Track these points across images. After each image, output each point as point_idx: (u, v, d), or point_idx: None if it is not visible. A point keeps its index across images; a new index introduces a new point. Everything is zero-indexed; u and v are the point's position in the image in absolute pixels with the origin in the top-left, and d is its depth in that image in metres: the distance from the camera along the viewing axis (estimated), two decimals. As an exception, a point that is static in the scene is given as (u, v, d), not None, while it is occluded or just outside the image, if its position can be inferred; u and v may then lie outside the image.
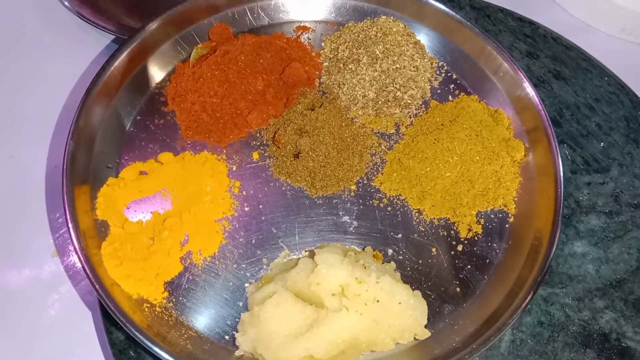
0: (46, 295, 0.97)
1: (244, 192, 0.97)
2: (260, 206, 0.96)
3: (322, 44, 1.09)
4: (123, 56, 0.98)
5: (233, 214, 0.95)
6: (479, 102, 1.05)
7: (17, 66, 1.16)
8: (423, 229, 0.95)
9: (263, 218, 0.95)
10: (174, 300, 0.88)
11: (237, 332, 0.85)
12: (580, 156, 1.07)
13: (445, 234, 0.95)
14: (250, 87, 1.01)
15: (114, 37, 1.16)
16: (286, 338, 0.80)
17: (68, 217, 0.86)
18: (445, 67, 1.09)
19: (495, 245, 0.95)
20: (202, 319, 0.87)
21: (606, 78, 1.15)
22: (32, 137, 1.08)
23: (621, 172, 1.05)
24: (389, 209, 0.96)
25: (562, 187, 0.93)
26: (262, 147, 1.00)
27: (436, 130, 1.00)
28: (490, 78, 1.06)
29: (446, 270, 0.93)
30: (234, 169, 0.98)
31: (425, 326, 0.86)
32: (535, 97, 1.00)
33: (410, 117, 1.04)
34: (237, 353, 0.84)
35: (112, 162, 0.96)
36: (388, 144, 1.01)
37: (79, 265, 0.97)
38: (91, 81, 0.95)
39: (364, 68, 1.03)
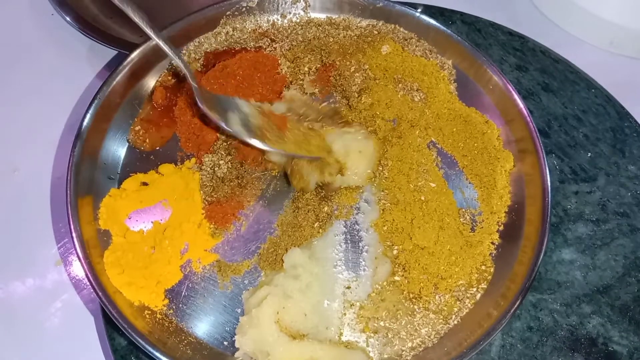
0: (50, 304, 1.00)
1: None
2: (257, 215, 0.98)
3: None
4: (125, 71, 1.02)
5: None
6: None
7: (22, 81, 1.20)
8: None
9: (260, 227, 0.98)
10: (174, 307, 0.91)
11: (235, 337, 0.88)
12: (568, 166, 1.10)
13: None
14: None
15: (116, 52, 1.19)
16: (288, 339, 0.84)
17: (72, 227, 0.89)
18: (437, 80, 1.12)
19: (485, 252, 0.98)
20: (202, 326, 0.90)
21: (593, 90, 1.18)
22: (36, 150, 1.11)
23: (608, 182, 1.08)
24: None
25: (549, 195, 0.96)
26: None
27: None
28: (480, 90, 1.10)
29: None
30: (232, 179, 1.01)
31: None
32: (523, 109, 1.03)
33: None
34: (237, 355, 0.87)
35: (114, 174, 1.00)
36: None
37: (81, 273, 1.00)
38: (94, 95, 0.99)
39: None
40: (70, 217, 0.90)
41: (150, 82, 1.07)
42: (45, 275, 1.02)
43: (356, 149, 0.99)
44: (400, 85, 1.09)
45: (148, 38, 1.04)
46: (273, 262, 0.94)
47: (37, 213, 1.05)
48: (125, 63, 1.02)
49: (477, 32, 1.25)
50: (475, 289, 0.93)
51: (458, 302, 0.92)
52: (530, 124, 1.02)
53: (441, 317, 0.91)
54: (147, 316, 0.89)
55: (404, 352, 0.88)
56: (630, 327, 0.95)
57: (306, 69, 1.09)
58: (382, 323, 0.90)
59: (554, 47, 1.25)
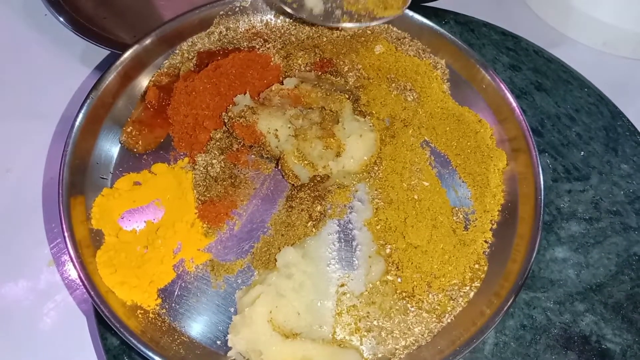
0: (43, 304, 0.99)
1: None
2: (250, 214, 0.98)
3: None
4: (118, 71, 1.02)
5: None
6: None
7: (15, 81, 1.19)
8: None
9: (253, 226, 0.97)
10: (167, 306, 0.90)
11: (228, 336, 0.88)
12: (561, 165, 1.10)
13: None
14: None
15: (109, 52, 1.19)
16: (281, 338, 0.84)
17: (64, 227, 0.89)
18: (430, 80, 1.13)
19: (479, 251, 0.98)
20: (195, 325, 0.90)
21: (586, 89, 1.19)
22: (29, 150, 1.11)
23: (601, 180, 1.09)
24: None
25: (542, 194, 0.96)
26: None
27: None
28: (473, 90, 1.10)
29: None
30: (226, 179, 1.01)
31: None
32: (516, 108, 1.04)
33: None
34: (230, 354, 0.86)
35: (106, 173, 0.99)
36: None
37: (74, 274, 1.00)
38: (86, 95, 0.98)
39: None
40: (63, 217, 0.90)
41: (143, 82, 1.06)
42: (38, 275, 1.01)
43: (358, 132, 0.99)
44: (393, 84, 1.09)
45: (141, 38, 1.04)
46: (266, 261, 0.93)
47: (29, 213, 1.05)
48: (117, 63, 1.02)
49: (470, 31, 1.25)
50: (468, 288, 0.93)
51: (451, 301, 0.92)
52: (524, 123, 1.02)
53: (434, 315, 0.91)
54: (140, 316, 0.88)
55: (397, 351, 0.88)
56: (623, 325, 0.96)
57: (300, 62, 1.09)
58: (375, 322, 0.90)
59: (547, 46, 1.25)
